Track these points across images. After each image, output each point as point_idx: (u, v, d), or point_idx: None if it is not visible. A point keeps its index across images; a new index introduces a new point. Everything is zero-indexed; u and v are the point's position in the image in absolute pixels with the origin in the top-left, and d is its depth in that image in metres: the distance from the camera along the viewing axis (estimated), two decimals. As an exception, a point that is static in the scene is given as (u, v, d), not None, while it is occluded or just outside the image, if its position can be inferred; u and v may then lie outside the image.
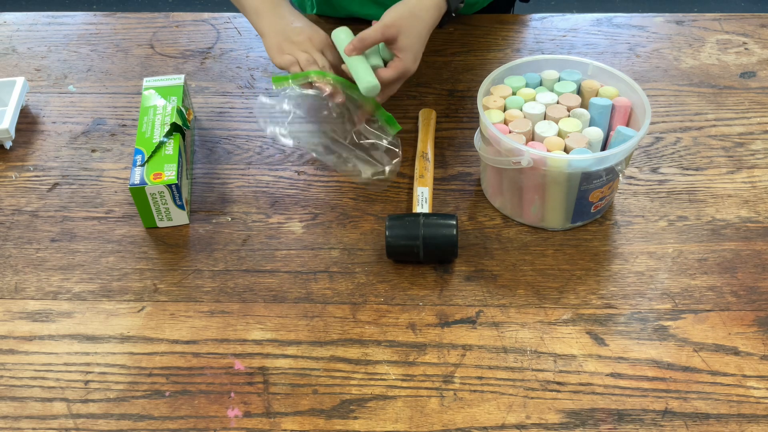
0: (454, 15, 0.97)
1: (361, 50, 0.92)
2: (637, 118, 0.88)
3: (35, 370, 0.78)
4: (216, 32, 1.23)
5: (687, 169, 0.97)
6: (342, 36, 0.95)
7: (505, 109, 0.90)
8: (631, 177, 0.96)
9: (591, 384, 0.75)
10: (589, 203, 0.87)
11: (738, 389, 0.74)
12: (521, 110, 0.89)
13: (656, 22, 1.23)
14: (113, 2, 2.82)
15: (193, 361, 0.78)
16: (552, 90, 0.92)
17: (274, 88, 0.95)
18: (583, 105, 0.91)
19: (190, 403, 0.74)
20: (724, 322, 0.80)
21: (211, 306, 0.83)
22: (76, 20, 1.27)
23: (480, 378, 0.76)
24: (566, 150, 0.85)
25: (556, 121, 0.88)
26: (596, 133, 0.86)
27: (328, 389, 0.75)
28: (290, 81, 0.94)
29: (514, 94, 0.92)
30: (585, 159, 0.81)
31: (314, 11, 1.26)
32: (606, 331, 0.80)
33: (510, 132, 0.87)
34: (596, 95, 0.91)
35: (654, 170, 0.97)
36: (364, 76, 0.91)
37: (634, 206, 0.93)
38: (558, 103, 0.90)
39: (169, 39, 1.22)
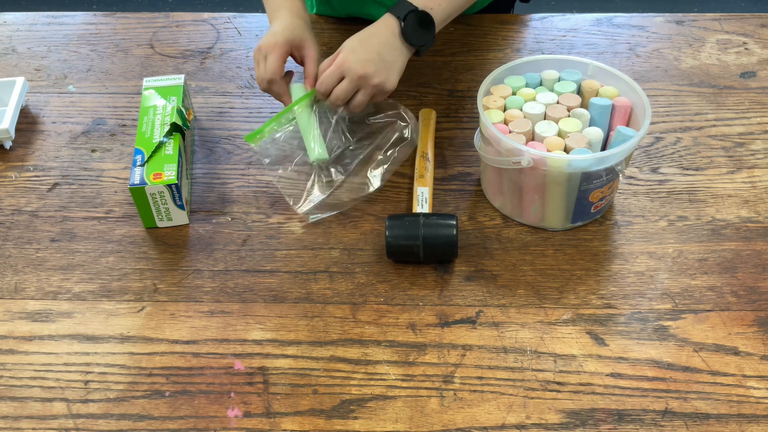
0: (403, 21, 0.91)
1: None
2: (637, 118, 0.88)
3: (35, 370, 0.78)
4: (216, 32, 1.23)
5: (687, 169, 0.97)
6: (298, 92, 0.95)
7: (505, 109, 0.90)
8: (631, 177, 0.96)
9: (591, 384, 0.75)
10: (589, 203, 0.87)
11: (738, 389, 0.74)
12: (521, 110, 0.89)
13: (656, 22, 1.23)
14: (113, 2, 2.82)
15: (193, 361, 0.78)
16: (552, 90, 0.92)
17: (253, 146, 0.96)
18: (583, 105, 0.91)
19: (190, 403, 0.74)
20: (724, 322, 0.80)
21: (211, 306, 0.83)
22: (76, 20, 1.27)
23: (480, 378, 0.76)
24: (566, 150, 0.85)
25: (556, 121, 0.88)
26: (596, 133, 0.86)
27: (328, 389, 0.75)
28: (264, 133, 0.95)
29: (514, 94, 0.92)
30: (585, 159, 0.81)
31: (314, 11, 1.26)
32: (606, 331, 0.80)
33: (510, 132, 0.87)
34: (596, 95, 0.91)
35: (654, 170, 0.97)
36: (314, 144, 0.92)
37: (634, 206, 0.93)
38: (558, 103, 0.90)
39: (169, 39, 1.22)
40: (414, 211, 0.89)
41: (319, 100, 0.95)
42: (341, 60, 0.90)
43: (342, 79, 0.90)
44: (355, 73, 0.89)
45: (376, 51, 0.90)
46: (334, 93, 0.91)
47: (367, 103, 0.93)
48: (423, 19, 0.92)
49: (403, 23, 0.91)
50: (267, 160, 0.96)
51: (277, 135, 0.95)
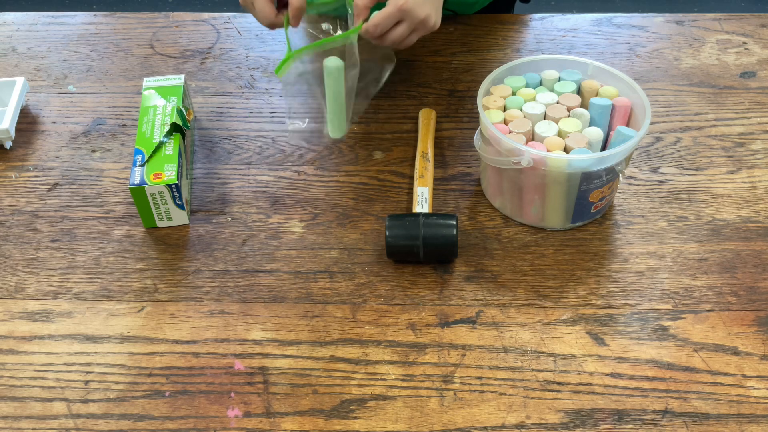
0: None
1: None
2: (637, 118, 0.88)
3: (35, 370, 0.78)
4: (216, 32, 1.23)
5: (687, 169, 0.97)
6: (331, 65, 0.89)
7: (505, 109, 0.90)
8: (631, 177, 0.96)
9: (591, 384, 0.75)
10: (589, 203, 0.87)
11: (738, 389, 0.75)
12: (521, 110, 0.89)
13: (656, 22, 1.23)
14: (113, 2, 2.82)
15: (193, 361, 0.78)
16: (552, 90, 0.92)
17: (280, 77, 0.90)
18: (583, 105, 0.91)
19: (190, 403, 0.75)
20: (724, 322, 0.80)
21: (211, 306, 0.83)
22: (76, 20, 1.27)
23: (480, 378, 0.76)
24: (566, 150, 0.85)
25: (556, 121, 0.88)
26: (596, 133, 0.86)
27: (328, 389, 0.75)
28: (290, 60, 0.88)
29: (514, 94, 0.92)
30: (585, 159, 0.81)
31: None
32: (606, 331, 0.80)
33: (510, 132, 0.87)
34: (596, 95, 0.91)
35: (654, 170, 0.97)
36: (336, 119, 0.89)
37: (634, 206, 0.93)
38: (558, 103, 0.90)
39: (169, 39, 1.22)
40: (414, 211, 0.89)
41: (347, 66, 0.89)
42: (401, 3, 0.85)
43: (399, 21, 0.86)
44: (416, 18, 0.85)
45: None
46: (389, 37, 0.87)
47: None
48: None
49: None
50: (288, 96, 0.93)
51: (302, 64, 0.90)
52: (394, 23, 0.86)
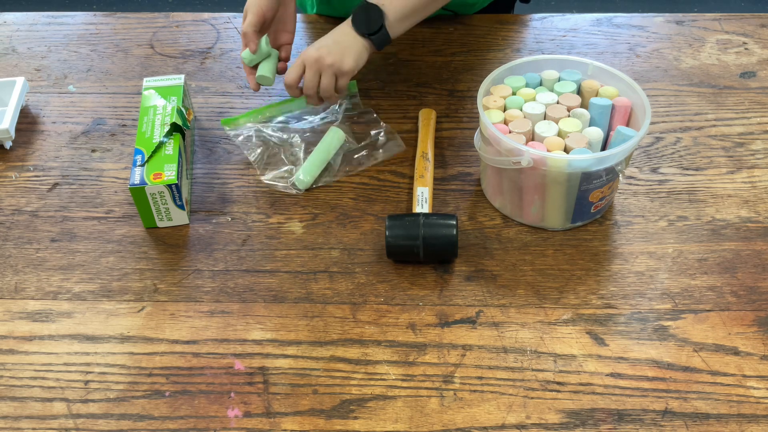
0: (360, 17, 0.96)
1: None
2: (637, 118, 0.88)
3: (35, 370, 0.78)
4: (216, 32, 1.23)
5: (687, 169, 0.97)
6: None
7: (505, 109, 0.90)
8: (631, 177, 0.96)
9: (591, 384, 0.75)
10: (589, 203, 0.87)
11: (738, 389, 0.75)
12: (521, 110, 0.89)
13: (656, 22, 1.23)
14: (113, 2, 2.82)
15: (193, 361, 0.78)
16: (552, 90, 0.92)
17: (227, 129, 1.03)
18: (583, 105, 0.91)
19: (190, 403, 0.75)
20: (724, 322, 0.80)
21: (211, 306, 0.83)
22: (76, 20, 1.27)
23: (480, 378, 0.76)
24: (566, 150, 0.85)
25: (556, 121, 0.88)
26: (596, 133, 0.86)
27: (328, 389, 0.75)
28: (240, 121, 1.03)
29: (514, 94, 0.92)
30: (585, 159, 0.81)
31: (314, 11, 1.26)
32: (606, 331, 0.80)
33: (510, 132, 0.87)
34: (596, 95, 0.91)
35: (654, 170, 0.97)
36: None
37: (634, 206, 0.93)
38: (558, 103, 0.90)
39: (169, 39, 1.22)
40: (414, 211, 0.89)
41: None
42: (301, 54, 0.97)
43: (304, 68, 0.97)
44: (310, 58, 0.95)
45: (331, 39, 0.97)
46: (304, 85, 0.97)
47: (339, 93, 0.99)
48: (368, 8, 0.96)
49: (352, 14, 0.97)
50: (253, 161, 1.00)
51: (251, 130, 1.03)
52: (300, 72, 0.97)
